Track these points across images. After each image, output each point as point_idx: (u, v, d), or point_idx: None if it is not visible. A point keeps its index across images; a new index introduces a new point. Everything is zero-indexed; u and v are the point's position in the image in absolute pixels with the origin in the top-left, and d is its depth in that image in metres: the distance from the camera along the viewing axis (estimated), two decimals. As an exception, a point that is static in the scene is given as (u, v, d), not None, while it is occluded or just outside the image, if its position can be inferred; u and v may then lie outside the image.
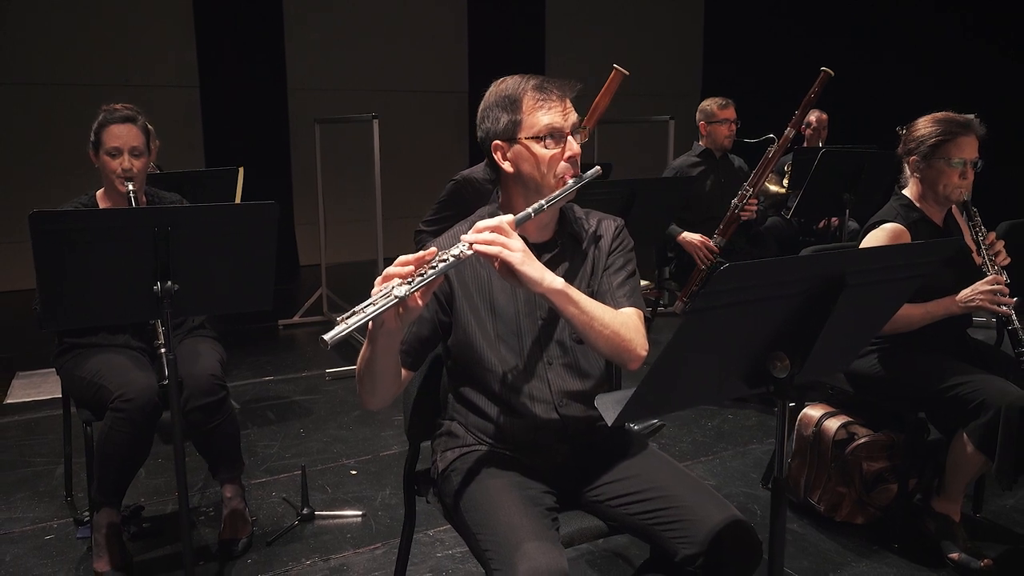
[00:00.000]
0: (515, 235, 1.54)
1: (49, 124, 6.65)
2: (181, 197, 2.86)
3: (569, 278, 1.75)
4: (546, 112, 1.68)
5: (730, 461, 3.38)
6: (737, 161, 4.50)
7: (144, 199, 2.63)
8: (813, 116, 5.91)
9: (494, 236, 1.51)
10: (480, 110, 1.76)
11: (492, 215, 1.81)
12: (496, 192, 1.85)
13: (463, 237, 1.51)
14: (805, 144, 5.77)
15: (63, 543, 2.72)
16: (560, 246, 1.80)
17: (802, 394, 3.01)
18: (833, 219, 5.13)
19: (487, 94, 1.76)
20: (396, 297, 1.38)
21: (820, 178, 3.93)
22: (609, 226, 1.88)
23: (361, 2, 8.03)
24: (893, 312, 1.42)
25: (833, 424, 2.81)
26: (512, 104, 1.70)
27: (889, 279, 1.31)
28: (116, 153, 2.51)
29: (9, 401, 4.12)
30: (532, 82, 1.71)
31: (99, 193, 2.65)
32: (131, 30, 6.98)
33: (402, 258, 1.45)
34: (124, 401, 2.38)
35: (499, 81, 1.76)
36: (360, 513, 2.91)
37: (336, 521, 2.87)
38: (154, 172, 4.13)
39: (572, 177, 1.70)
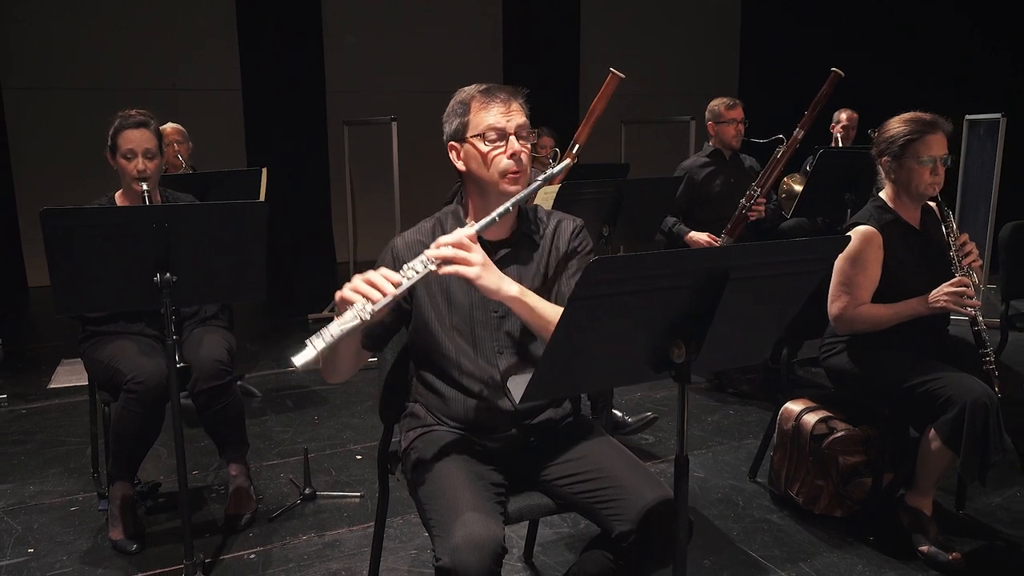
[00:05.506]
0: (475, 248, 1.67)
1: (105, 127, 7.04)
2: (194, 197, 3.07)
3: (521, 276, 1.88)
4: (488, 112, 1.83)
5: (723, 455, 3.45)
6: (748, 161, 4.53)
7: (158, 198, 2.84)
8: (844, 115, 5.84)
9: (455, 252, 1.65)
10: (443, 117, 1.92)
11: (454, 214, 1.96)
12: (460, 193, 2.00)
13: (427, 253, 1.65)
14: (839, 144, 5.73)
15: (86, 514, 2.96)
16: (514, 245, 1.93)
17: (790, 393, 3.07)
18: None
19: (449, 103, 1.92)
20: (362, 320, 1.58)
21: (820, 177, 3.96)
22: (567, 227, 1.99)
23: (399, 6, 8.24)
24: (798, 305, 1.51)
25: (812, 418, 2.87)
26: (463, 108, 1.86)
27: (777, 274, 1.40)
28: (131, 156, 2.72)
29: (52, 386, 4.43)
30: (481, 88, 1.87)
31: (118, 194, 2.87)
32: (176, 38, 7.33)
33: (370, 275, 1.62)
34: (136, 383, 2.59)
35: (459, 90, 1.91)
36: (359, 494, 3.09)
37: (336, 501, 3.05)
38: (187, 172, 4.40)
39: (514, 173, 1.83)
